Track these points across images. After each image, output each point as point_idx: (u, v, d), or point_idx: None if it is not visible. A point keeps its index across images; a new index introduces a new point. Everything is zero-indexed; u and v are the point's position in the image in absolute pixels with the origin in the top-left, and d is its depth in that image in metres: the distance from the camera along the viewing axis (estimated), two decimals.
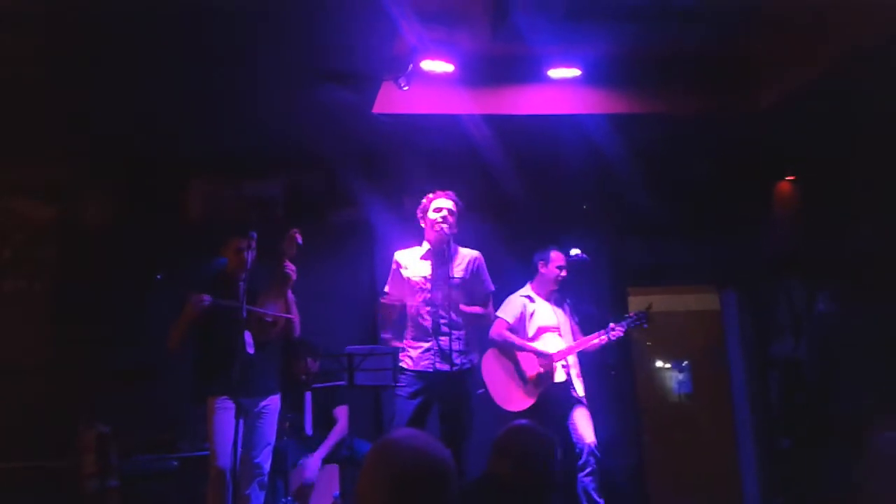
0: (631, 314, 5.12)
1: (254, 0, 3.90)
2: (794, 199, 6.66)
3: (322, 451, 5.03)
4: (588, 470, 4.79)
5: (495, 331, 4.95)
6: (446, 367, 4.28)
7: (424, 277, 4.47)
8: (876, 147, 5.41)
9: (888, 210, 5.44)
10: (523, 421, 2.78)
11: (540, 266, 5.20)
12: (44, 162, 5.70)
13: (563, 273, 5.16)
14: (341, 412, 5.17)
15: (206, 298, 4.16)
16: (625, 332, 5.02)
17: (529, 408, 4.84)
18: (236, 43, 4.35)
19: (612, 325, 5.02)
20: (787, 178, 6.68)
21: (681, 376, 7.55)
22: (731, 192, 6.44)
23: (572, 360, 5.03)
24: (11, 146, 5.39)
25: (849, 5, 4.45)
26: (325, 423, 5.20)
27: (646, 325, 5.08)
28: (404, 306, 4.48)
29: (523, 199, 6.02)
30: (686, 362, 7.56)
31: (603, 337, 4.99)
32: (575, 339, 5.08)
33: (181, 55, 4.43)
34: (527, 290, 5.19)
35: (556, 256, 5.18)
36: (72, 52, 4.32)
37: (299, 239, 4.15)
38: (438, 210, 4.46)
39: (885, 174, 5.39)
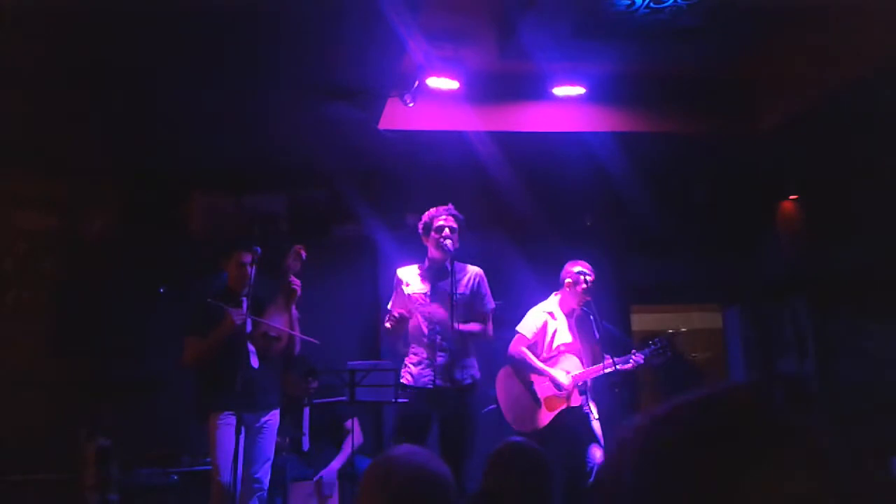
0: (655, 341, 4.88)
1: (261, 16, 3.93)
2: (798, 218, 6.66)
3: (339, 461, 5.06)
4: None
5: (514, 348, 4.83)
6: (446, 384, 4.26)
7: (425, 294, 4.44)
8: (877, 166, 5.42)
9: (890, 228, 5.44)
10: (518, 438, 2.77)
11: (566, 281, 4.92)
12: (46, 174, 5.72)
13: (588, 293, 4.88)
14: (353, 423, 5.16)
15: (242, 314, 4.14)
16: (644, 361, 4.82)
17: (542, 429, 4.72)
18: (243, 58, 4.38)
19: (634, 351, 4.86)
20: (791, 198, 6.69)
21: None
22: (735, 211, 6.44)
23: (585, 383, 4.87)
24: (15, 157, 5.41)
25: (849, 30, 4.48)
26: (331, 437, 5.20)
27: (669, 354, 4.86)
28: (408, 321, 4.46)
29: (527, 215, 6.03)
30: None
31: (621, 366, 4.77)
32: (595, 360, 4.86)
33: (187, 68, 4.46)
34: (551, 304, 4.94)
35: (579, 271, 4.87)
36: (76, 63, 4.35)
37: (304, 255, 4.16)
38: (440, 226, 4.41)
39: (887, 193, 5.40)
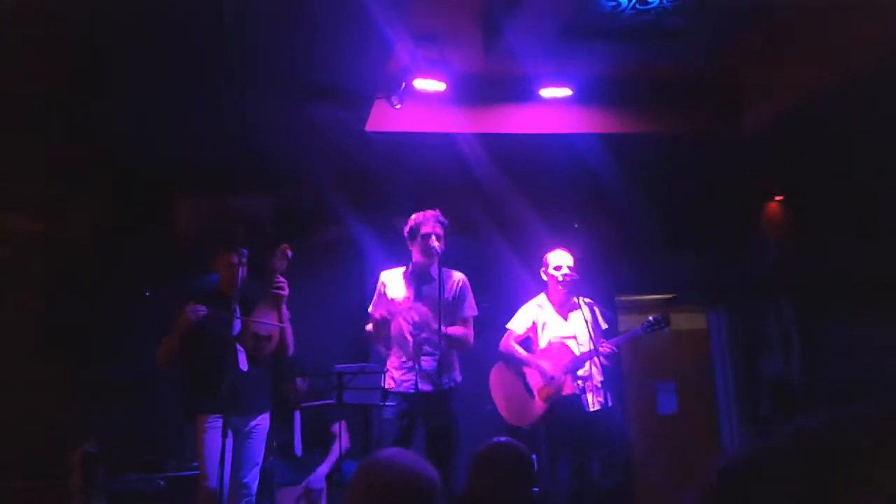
0: (649, 318, 4.79)
1: (248, 18, 3.92)
2: (783, 218, 6.70)
3: (325, 467, 5.05)
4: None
5: (503, 343, 4.87)
6: (429, 388, 4.25)
7: (409, 298, 4.42)
8: (862, 167, 5.46)
9: (875, 228, 5.48)
10: (502, 438, 2.77)
11: (541, 273, 4.98)
12: (32, 176, 5.67)
13: (564, 277, 4.80)
14: (340, 427, 5.15)
15: (202, 309, 4.12)
16: (640, 335, 4.81)
17: (537, 421, 4.73)
18: (230, 60, 4.36)
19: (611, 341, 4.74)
20: (776, 199, 6.73)
21: (668, 396, 7.53)
22: (720, 212, 6.48)
23: (584, 371, 4.72)
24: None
25: (835, 30, 4.51)
26: (318, 441, 5.18)
27: (666, 329, 4.80)
28: (389, 324, 4.43)
29: (514, 217, 6.03)
30: (673, 382, 7.54)
31: (611, 345, 4.68)
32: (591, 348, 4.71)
33: (174, 70, 4.43)
34: (541, 297, 4.97)
35: (549, 259, 4.91)
36: (63, 65, 4.32)
37: (289, 254, 4.14)
38: (427, 230, 4.38)
39: (872, 193, 5.44)
